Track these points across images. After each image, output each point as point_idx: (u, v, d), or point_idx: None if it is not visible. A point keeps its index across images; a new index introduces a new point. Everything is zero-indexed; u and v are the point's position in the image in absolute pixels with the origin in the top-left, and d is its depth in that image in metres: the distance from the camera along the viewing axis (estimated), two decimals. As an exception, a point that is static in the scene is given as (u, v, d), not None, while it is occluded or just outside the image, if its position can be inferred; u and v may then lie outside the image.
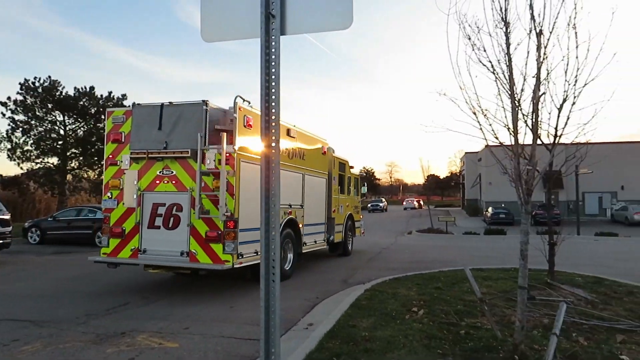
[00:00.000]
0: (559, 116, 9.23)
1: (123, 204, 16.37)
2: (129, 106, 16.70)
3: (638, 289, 15.66)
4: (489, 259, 25.24)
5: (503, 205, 65.15)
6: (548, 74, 9.06)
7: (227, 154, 15.34)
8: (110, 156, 16.73)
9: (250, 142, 16.23)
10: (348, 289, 16.40)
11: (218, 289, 16.52)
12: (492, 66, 9.15)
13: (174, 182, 16.06)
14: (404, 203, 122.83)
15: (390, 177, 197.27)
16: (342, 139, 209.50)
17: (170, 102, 16.06)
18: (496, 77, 9.14)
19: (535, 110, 9.00)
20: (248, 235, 16.00)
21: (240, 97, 15.88)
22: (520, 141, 9.09)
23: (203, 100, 15.83)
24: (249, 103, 16.39)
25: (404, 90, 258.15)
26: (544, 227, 22.23)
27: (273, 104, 6.37)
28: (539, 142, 9.17)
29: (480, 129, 9.19)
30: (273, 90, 6.35)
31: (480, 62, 9.20)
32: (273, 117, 6.39)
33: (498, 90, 9.17)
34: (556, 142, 9.33)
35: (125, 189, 16.41)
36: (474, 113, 9.24)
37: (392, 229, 51.87)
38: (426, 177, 72.68)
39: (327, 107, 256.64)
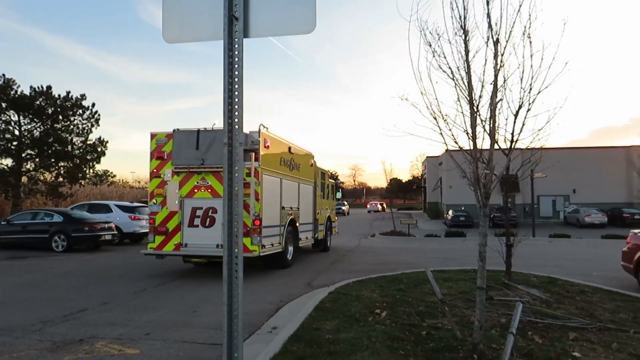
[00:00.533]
0: (515, 122, 9.44)
1: (167, 208, 20.48)
2: (171, 131, 20.59)
3: (589, 288, 16.05)
4: (449, 260, 25.57)
5: (463, 208, 65.74)
6: (505, 81, 9.25)
7: (254, 169, 19.38)
8: (155, 170, 20.74)
9: (269, 159, 20.81)
10: (312, 291, 16.47)
11: (181, 295, 16.44)
12: (452, 73, 9.31)
13: (209, 190, 20.24)
14: (368, 206, 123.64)
15: (354, 181, 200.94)
16: (306, 141, 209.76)
17: (205, 128, 20.01)
18: (456, 84, 9.31)
19: (493, 116, 9.19)
20: (267, 231, 20.50)
21: (262, 125, 20.23)
22: (479, 146, 9.27)
23: None
24: (267, 128, 20.66)
25: (367, 94, 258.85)
26: (501, 230, 22.24)
27: (236, 106, 6.35)
28: (496, 147, 9.36)
29: (441, 133, 9.35)
30: (236, 93, 6.32)
31: (441, 68, 9.37)
32: (236, 120, 6.37)
33: (457, 96, 9.34)
34: (512, 147, 9.53)
35: (168, 196, 20.52)
36: (435, 118, 9.40)
37: (356, 232, 52.26)
38: (389, 181, 73.42)
39: (291, 109, 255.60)
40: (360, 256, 28.13)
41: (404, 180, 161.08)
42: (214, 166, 20.06)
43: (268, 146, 20.70)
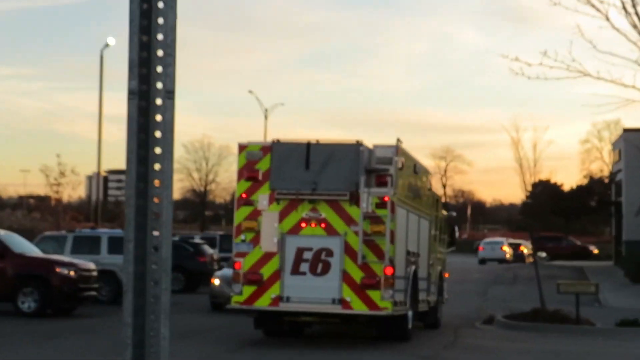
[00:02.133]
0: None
1: (260, 247, 15.59)
2: (267, 141, 16.37)
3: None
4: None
5: None
6: None
7: (389, 199, 15.35)
8: (244, 195, 15.85)
9: (406, 188, 16.67)
10: None
11: None
12: None
13: (323, 225, 15.50)
14: (482, 248, 62.89)
15: (444, 185, 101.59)
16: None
17: (317, 141, 15.78)
18: None
19: None
20: (399, 282, 15.95)
21: (399, 139, 15.87)
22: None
23: (357, 141, 15.71)
24: (401, 142, 16.11)
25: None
26: None
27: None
28: None
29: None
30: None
31: None
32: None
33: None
34: None
35: (263, 232, 15.58)
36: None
37: (449, 310, 23.97)
38: (529, 188, 35.76)
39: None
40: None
41: (565, 189, 77.25)
42: (331, 193, 15.48)
43: (402, 167, 16.04)
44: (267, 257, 15.55)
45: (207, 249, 33.11)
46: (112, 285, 25.42)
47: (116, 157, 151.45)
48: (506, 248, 62.93)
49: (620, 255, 47.12)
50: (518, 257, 61.70)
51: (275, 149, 15.78)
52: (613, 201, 52.76)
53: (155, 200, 3.14)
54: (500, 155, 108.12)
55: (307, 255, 15.44)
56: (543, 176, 53.82)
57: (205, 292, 26.85)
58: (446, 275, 23.66)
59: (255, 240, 15.65)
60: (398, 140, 15.92)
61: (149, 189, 3.16)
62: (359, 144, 15.65)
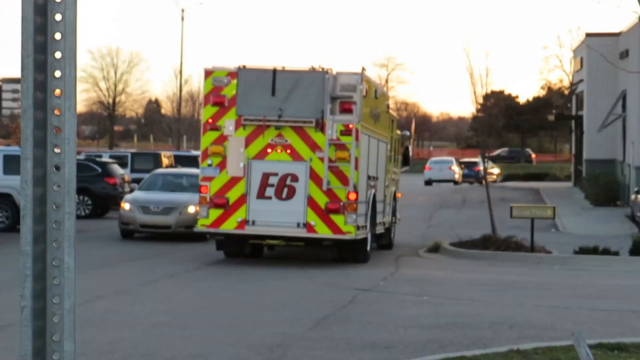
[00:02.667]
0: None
1: (227, 172, 17.68)
2: (233, 66, 18.01)
3: None
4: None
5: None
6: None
7: (353, 126, 17.66)
8: (210, 120, 17.86)
9: (368, 114, 18.85)
10: None
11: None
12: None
13: (288, 151, 17.69)
14: (428, 168, 62.76)
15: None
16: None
17: (283, 68, 17.79)
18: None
19: None
20: (361, 207, 18.31)
21: (364, 67, 18.24)
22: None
23: (323, 68, 17.96)
24: (365, 70, 18.44)
25: None
26: None
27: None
28: None
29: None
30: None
31: None
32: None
33: None
34: None
35: (230, 157, 17.66)
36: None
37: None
38: (480, 102, 31.27)
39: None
40: (400, 302, 14.88)
41: (520, 101, 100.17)
42: (300, 120, 17.69)
43: (366, 95, 18.43)
44: (233, 181, 17.69)
45: (117, 169, 32.69)
46: (9, 210, 25.25)
47: (12, 62, 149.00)
48: (455, 168, 63.77)
49: (580, 176, 48.47)
50: (475, 177, 61.85)
51: (241, 75, 17.81)
52: (573, 115, 53.70)
53: (56, 112, 3.08)
54: (449, 64, 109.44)
55: (273, 180, 17.56)
56: (497, 87, 54.09)
57: (114, 217, 26.86)
58: (399, 195, 26.12)
59: (222, 165, 17.73)
60: (362, 68, 18.20)
61: (48, 99, 3.07)
62: (324, 72, 17.80)
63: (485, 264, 21.06)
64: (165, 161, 36.61)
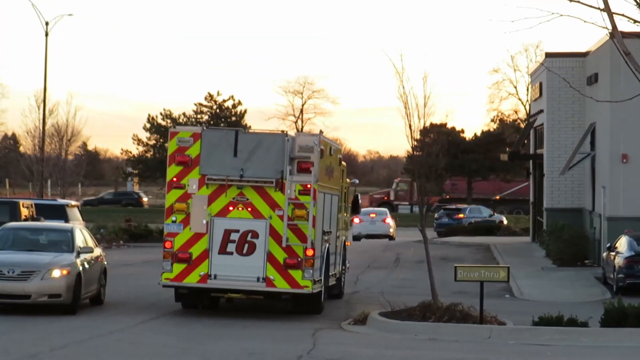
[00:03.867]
0: None
1: (190, 228, 22.38)
2: (197, 127, 23.21)
3: None
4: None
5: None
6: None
7: (309, 185, 22.42)
8: (175, 179, 22.63)
9: (324, 172, 23.72)
10: None
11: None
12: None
13: (249, 209, 22.46)
14: (358, 220, 60.91)
15: (300, 130, 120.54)
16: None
17: (244, 129, 23.07)
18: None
19: None
20: (317, 262, 23.08)
21: (321, 130, 24.49)
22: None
23: (283, 131, 24.57)
24: (322, 133, 24.23)
25: None
26: None
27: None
28: None
29: None
30: None
31: None
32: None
33: None
34: None
35: (193, 214, 22.38)
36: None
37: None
38: (418, 136, 31.09)
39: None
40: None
41: (467, 136, 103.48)
42: (261, 180, 22.32)
43: (322, 155, 23.10)
44: (197, 237, 22.42)
45: None
46: None
47: None
48: (390, 220, 67.06)
49: (540, 229, 49.63)
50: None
51: (205, 136, 22.66)
52: (531, 154, 54.73)
53: None
54: (379, 92, 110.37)
55: (234, 236, 22.33)
56: (437, 119, 55.14)
57: None
58: (348, 244, 31.90)
59: (186, 222, 22.47)
60: (320, 131, 23.95)
61: None
62: (284, 134, 23.38)
63: (424, 338, 21.12)
64: (24, 212, 36.49)
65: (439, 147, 39.79)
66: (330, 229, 25.76)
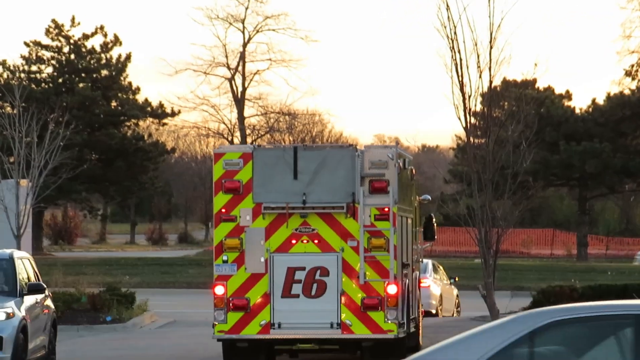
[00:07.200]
0: None
1: (245, 269, 19.13)
2: (247, 146, 20.24)
3: None
4: None
5: None
6: None
7: (386, 208, 19.14)
8: (224, 210, 19.32)
9: (403, 192, 20.54)
10: None
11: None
12: None
13: (316, 241, 19.18)
14: None
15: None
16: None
17: (305, 145, 19.97)
18: None
19: None
20: (401, 301, 19.71)
21: (397, 139, 20.69)
22: None
23: (351, 145, 20.58)
24: (399, 144, 21.42)
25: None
26: None
27: None
28: None
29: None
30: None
31: None
32: None
33: None
34: None
35: (248, 251, 19.14)
36: None
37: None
38: (475, 103, 26.59)
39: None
40: None
41: (578, 108, 75.15)
42: (326, 205, 19.26)
43: (400, 171, 19.94)
44: (254, 279, 19.17)
45: None
46: None
47: None
48: (433, 284, 36.08)
49: None
50: None
51: (257, 155, 19.52)
52: None
53: None
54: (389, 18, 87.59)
55: (300, 275, 19.09)
56: (516, 73, 45.39)
57: None
58: (421, 282, 26.72)
59: (239, 261, 19.19)
60: (397, 141, 21.13)
61: None
62: (353, 148, 20.22)
63: None
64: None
65: (521, 127, 27.29)
66: (408, 261, 21.92)
